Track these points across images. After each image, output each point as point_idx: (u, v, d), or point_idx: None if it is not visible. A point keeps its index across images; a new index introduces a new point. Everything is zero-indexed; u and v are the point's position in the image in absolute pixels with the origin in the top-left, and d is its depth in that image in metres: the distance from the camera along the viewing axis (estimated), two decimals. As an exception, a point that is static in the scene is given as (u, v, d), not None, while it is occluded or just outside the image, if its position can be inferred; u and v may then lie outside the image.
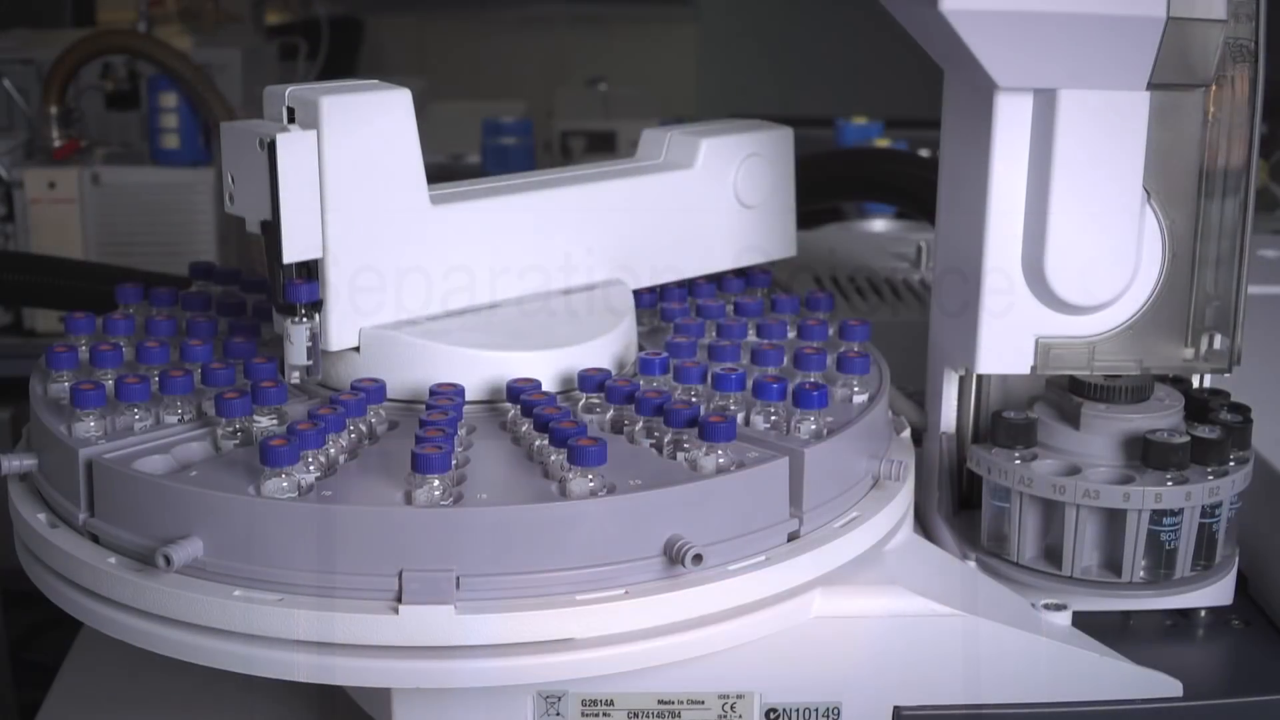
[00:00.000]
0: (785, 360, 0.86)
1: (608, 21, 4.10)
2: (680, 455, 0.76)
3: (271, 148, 0.77)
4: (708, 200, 0.99)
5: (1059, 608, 0.82)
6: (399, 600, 0.69)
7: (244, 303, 0.95)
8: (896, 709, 0.79)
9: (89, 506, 0.76)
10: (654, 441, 0.78)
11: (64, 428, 0.78)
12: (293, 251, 0.79)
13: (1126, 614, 0.89)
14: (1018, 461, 0.85)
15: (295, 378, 0.82)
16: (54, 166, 1.81)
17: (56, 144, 1.84)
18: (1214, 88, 0.84)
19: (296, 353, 0.81)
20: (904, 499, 0.85)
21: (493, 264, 0.88)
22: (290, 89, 0.79)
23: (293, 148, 0.77)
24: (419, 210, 0.84)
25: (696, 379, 0.82)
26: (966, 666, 0.79)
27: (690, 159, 0.98)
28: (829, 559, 0.77)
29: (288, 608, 0.69)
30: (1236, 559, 0.89)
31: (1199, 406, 0.88)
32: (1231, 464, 0.86)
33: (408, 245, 0.84)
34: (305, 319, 0.80)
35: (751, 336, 0.92)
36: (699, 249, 0.99)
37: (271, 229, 0.78)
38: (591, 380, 0.81)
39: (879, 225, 1.87)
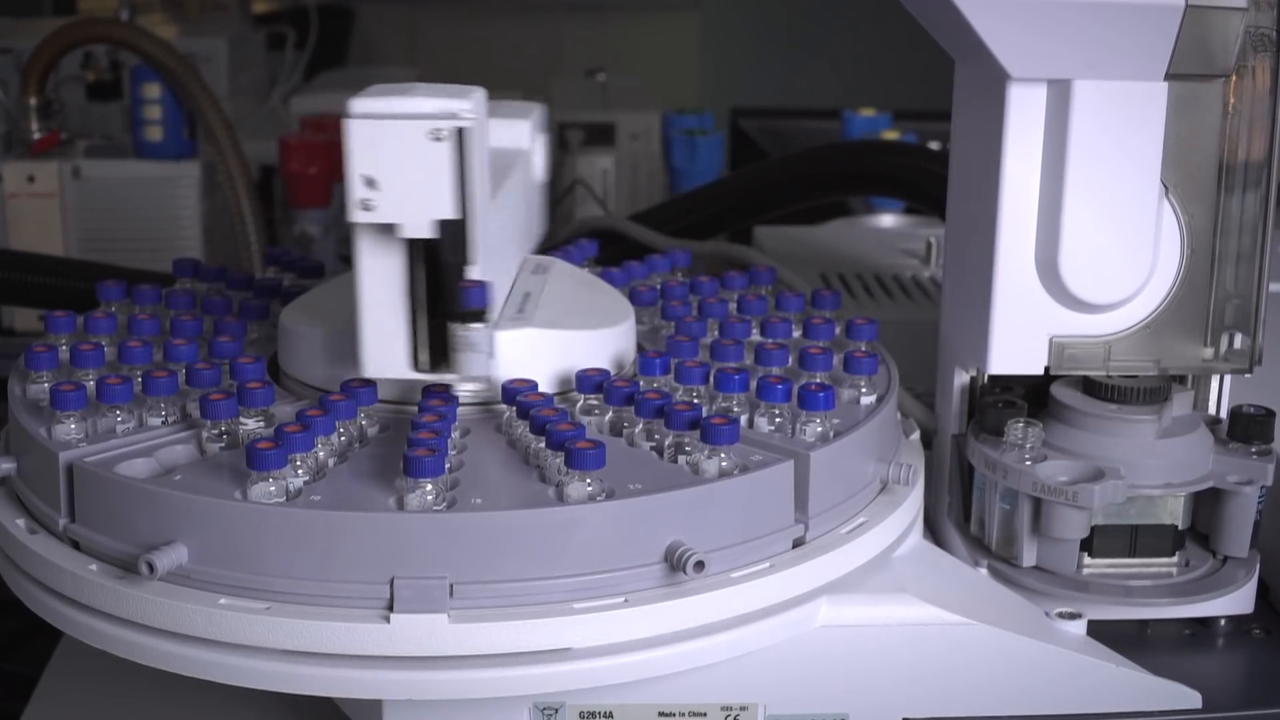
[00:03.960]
0: (790, 360, 0.86)
1: (606, 9, 4.10)
2: (682, 458, 0.77)
3: (461, 136, 0.73)
4: None
5: (1073, 616, 0.82)
6: (390, 608, 0.69)
7: (230, 301, 0.95)
8: (905, 721, 0.79)
9: (69, 512, 0.76)
10: (654, 444, 0.78)
11: (43, 430, 0.79)
12: (477, 250, 0.74)
13: (1143, 623, 0.89)
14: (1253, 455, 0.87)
15: (466, 388, 0.79)
16: (33, 160, 1.81)
17: (36, 136, 1.84)
18: (1234, 78, 0.84)
19: (482, 362, 0.76)
20: (913, 504, 0.85)
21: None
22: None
23: (478, 136, 0.74)
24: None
25: (698, 379, 0.82)
26: (977, 677, 0.79)
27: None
28: (835, 566, 0.77)
29: (275, 616, 0.69)
30: (1257, 566, 0.89)
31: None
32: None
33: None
34: (483, 323, 0.75)
35: (755, 335, 0.92)
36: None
37: (453, 230, 0.74)
38: (590, 381, 0.81)
39: (887, 220, 1.87)
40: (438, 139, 0.72)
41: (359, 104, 0.73)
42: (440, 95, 0.74)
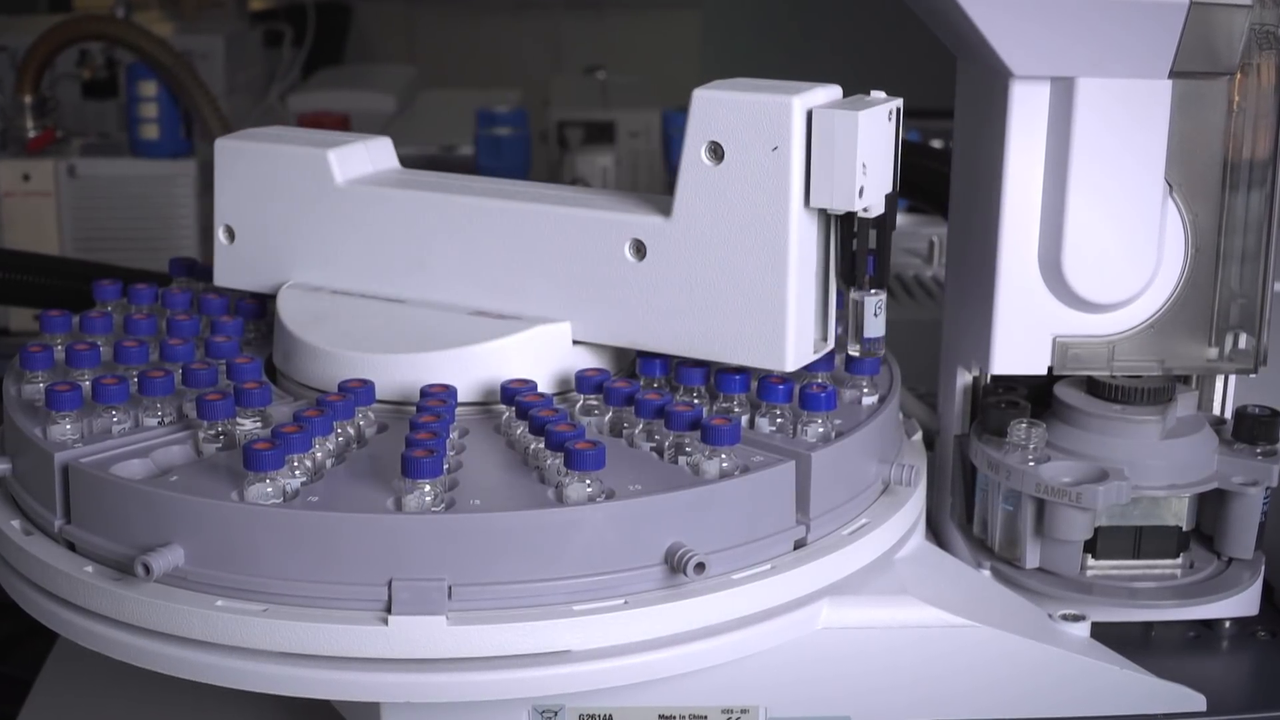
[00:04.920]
0: (791, 360, 0.86)
1: (605, 7, 4.10)
2: (682, 459, 0.76)
3: (896, 115, 0.78)
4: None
5: (1077, 619, 0.82)
6: (388, 611, 0.69)
7: (226, 300, 0.95)
8: (907, 724, 0.79)
9: (65, 513, 0.76)
10: (655, 445, 0.78)
11: (39, 430, 0.79)
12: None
13: (1147, 625, 0.89)
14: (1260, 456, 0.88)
15: (857, 350, 0.82)
16: (28, 158, 1.81)
17: (31, 134, 1.84)
18: (1239, 76, 0.84)
19: (880, 324, 0.81)
20: (915, 505, 0.85)
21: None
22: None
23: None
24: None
25: (699, 380, 0.82)
26: (980, 679, 0.79)
27: None
28: (837, 567, 0.77)
29: (272, 618, 0.69)
30: (1262, 568, 0.89)
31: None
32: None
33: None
34: (882, 287, 0.80)
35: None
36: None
37: (890, 202, 0.79)
38: (589, 381, 0.81)
39: (889, 219, 1.87)
40: (890, 119, 0.77)
41: (838, 105, 0.77)
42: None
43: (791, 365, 0.79)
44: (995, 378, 0.90)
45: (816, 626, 0.77)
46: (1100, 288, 0.86)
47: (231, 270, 0.94)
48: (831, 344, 0.82)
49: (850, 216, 0.78)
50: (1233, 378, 0.92)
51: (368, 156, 0.91)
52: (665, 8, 4.12)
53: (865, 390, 0.86)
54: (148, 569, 0.69)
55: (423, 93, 2.68)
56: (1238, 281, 0.87)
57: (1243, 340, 0.88)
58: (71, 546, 0.76)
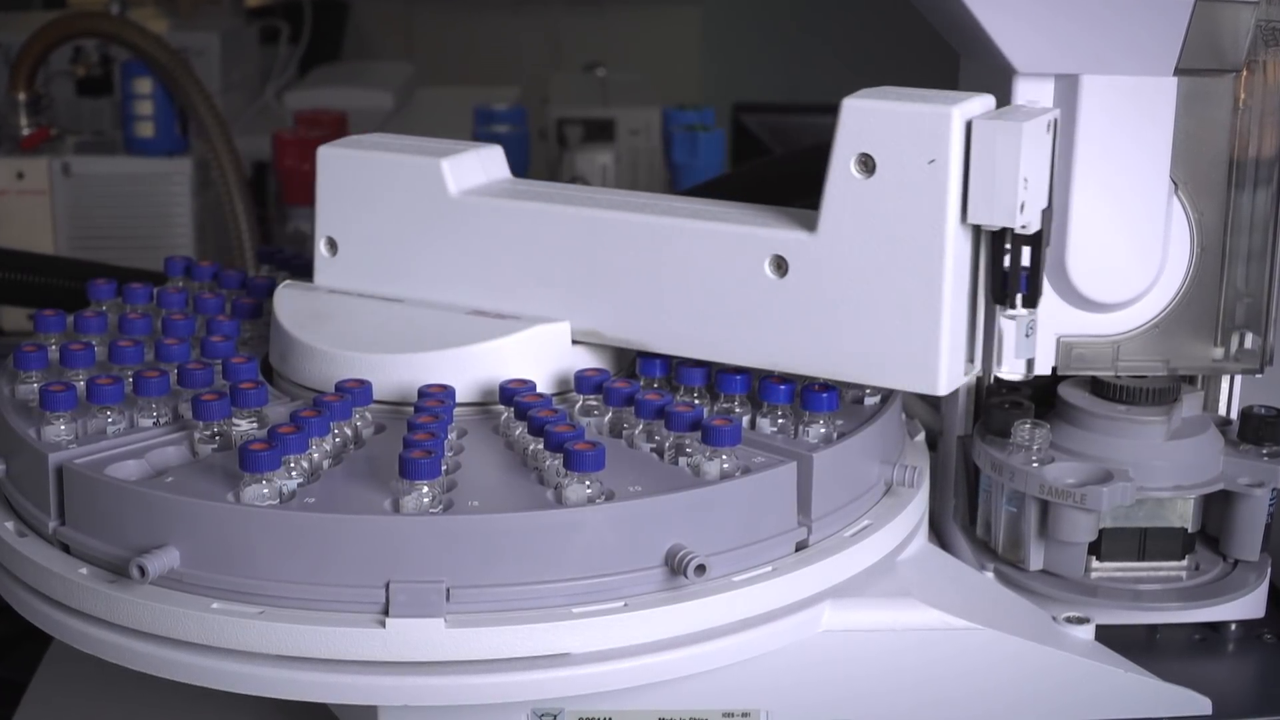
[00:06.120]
0: (793, 360, 0.85)
1: (606, 3, 4.10)
2: (682, 460, 0.76)
3: (1054, 126, 0.76)
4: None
5: (1082, 621, 0.82)
6: (386, 613, 0.69)
7: (222, 300, 0.95)
8: (910, 728, 0.79)
9: (59, 514, 0.76)
10: (655, 446, 0.78)
11: (33, 431, 0.78)
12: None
13: (1152, 628, 0.89)
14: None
15: (1005, 371, 0.80)
16: (22, 156, 1.81)
17: (25, 132, 1.84)
18: (1245, 73, 0.84)
19: (1035, 344, 0.79)
20: (918, 506, 0.85)
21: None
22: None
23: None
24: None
25: (699, 380, 0.82)
26: (984, 682, 0.79)
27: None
28: (839, 569, 0.77)
29: (269, 621, 0.69)
30: (1269, 570, 0.89)
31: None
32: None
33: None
34: (1035, 306, 0.78)
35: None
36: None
37: (1047, 217, 0.77)
38: (589, 381, 0.81)
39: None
40: (1048, 131, 0.75)
41: (997, 116, 0.75)
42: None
43: (944, 389, 0.77)
44: (998, 378, 0.90)
45: (818, 629, 0.77)
46: (1105, 287, 0.86)
47: (334, 284, 0.90)
48: (979, 366, 0.80)
49: (1004, 232, 0.76)
50: (1238, 378, 0.92)
51: (480, 166, 0.88)
52: (665, 4, 4.12)
53: (867, 391, 0.86)
54: (143, 571, 0.69)
55: (420, 90, 2.67)
56: (1244, 281, 0.87)
57: (1248, 340, 0.88)
58: (66, 548, 0.76)
